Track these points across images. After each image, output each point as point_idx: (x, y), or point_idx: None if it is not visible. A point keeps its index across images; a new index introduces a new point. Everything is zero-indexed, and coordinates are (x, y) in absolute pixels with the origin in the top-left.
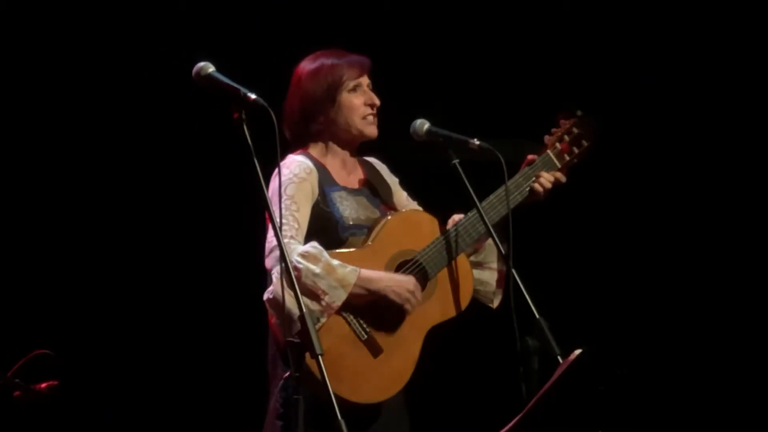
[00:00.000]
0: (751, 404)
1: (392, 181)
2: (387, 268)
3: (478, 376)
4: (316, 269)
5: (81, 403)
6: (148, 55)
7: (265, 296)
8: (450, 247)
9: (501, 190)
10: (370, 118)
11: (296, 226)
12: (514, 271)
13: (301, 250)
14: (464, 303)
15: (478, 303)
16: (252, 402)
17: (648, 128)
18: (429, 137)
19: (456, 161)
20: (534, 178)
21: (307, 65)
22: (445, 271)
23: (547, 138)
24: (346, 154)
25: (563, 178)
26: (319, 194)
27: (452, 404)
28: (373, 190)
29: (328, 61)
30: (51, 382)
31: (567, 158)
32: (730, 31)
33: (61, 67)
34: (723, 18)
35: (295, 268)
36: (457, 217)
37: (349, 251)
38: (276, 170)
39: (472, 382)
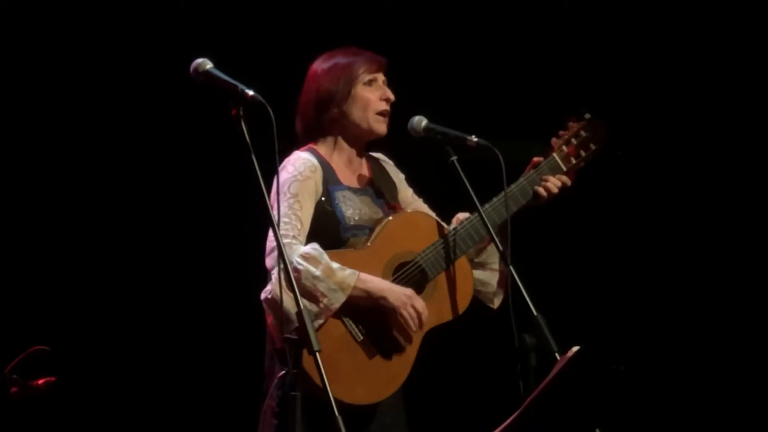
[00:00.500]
0: (750, 403)
1: (398, 178)
2: (386, 269)
3: (475, 373)
4: (316, 272)
5: (78, 399)
6: (146, 52)
7: (263, 296)
8: (450, 249)
9: (503, 193)
10: (383, 113)
11: (299, 225)
12: (512, 268)
13: (302, 251)
14: (463, 305)
15: (477, 302)
16: (247, 400)
17: (645, 126)
18: (427, 134)
19: (454, 158)
20: (539, 182)
21: (323, 62)
22: (445, 273)
23: (554, 140)
24: (353, 152)
25: (569, 182)
26: (323, 193)
27: (449, 401)
28: (378, 189)
29: (345, 58)
30: (48, 378)
31: (573, 162)
32: (736, 35)
33: (60, 66)
34: (729, 21)
35: (296, 269)
36: (461, 215)
37: (349, 251)
38: (280, 167)
39: (469, 379)
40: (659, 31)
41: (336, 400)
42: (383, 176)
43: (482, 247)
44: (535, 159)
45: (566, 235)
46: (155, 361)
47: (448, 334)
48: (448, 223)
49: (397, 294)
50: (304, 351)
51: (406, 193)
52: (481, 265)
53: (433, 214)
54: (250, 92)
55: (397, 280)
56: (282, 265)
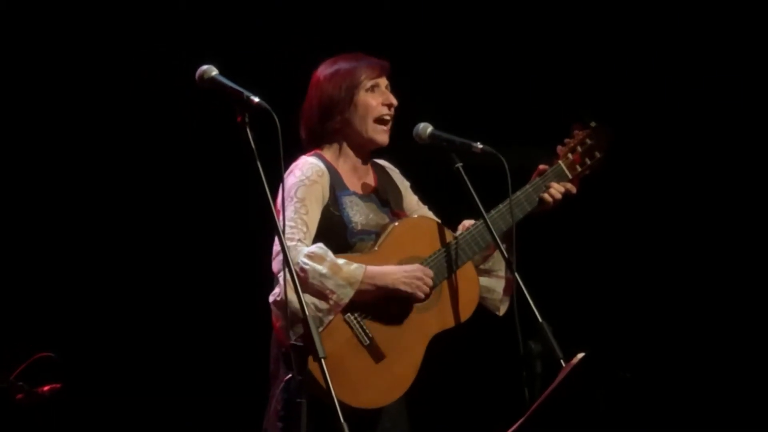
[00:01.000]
0: (755, 408)
1: (403, 185)
2: None
3: (481, 379)
4: (323, 269)
5: (83, 406)
6: (152, 58)
7: (271, 298)
8: (456, 255)
9: (509, 200)
10: (384, 120)
11: (305, 229)
12: (517, 275)
13: (307, 251)
14: (469, 311)
15: (482, 308)
16: (252, 403)
17: (653, 134)
18: (432, 141)
19: (459, 165)
20: (544, 189)
21: (326, 68)
22: (450, 279)
23: (559, 148)
24: (358, 159)
25: (574, 189)
26: (330, 197)
27: (455, 408)
28: (384, 195)
29: (347, 63)
30: (53, 385)
31: (579, 169)
32: (737, 37)
33: (65, 71)
34: (730, 23)
35: (302, 270)
36: (468, 222)
37: (355, 255)
38: (287, 172)
39: (475, 386)
40: (664, 38)
41: (342, 403)
42: (388, 184)
43: (488, 254)
44: (541, 167)
45: (571, 241)
46: (160, 367)
47: (454, 340)
48: (454, 229)
49: (408, 279)
50: (310, 357)
51: (411, 201)
52: (487, 272)
53: (439, 221)
54: (256, 99)
55: None
56: (287, 270)
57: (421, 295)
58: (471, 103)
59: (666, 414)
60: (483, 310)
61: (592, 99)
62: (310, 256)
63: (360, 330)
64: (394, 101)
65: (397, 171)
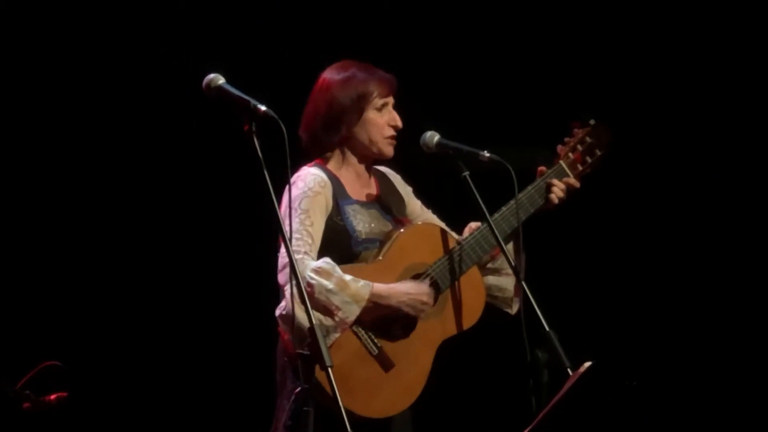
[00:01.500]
0: (763, 415)
1: (405, 191)
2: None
3: (487, 388)
4: (330, 285)
5: (90, 415)
6: (159, 66)
7: (277, 312)
8: (462, 260)
9: (513, 202)
10: (391, 138)
11: (310, 241)
12: (524, 284)
13: (314, 266)
14: (476, 316)
15: (490, 314)
16: (259, 414)
17: (665, 139)
18: (439, 149)
19: (466, 173)
20: (546, 189)
21: (336, 73)
22: (456, 285)
23: (559, 147)
24: (361, 167)
25: (577, 184)
26: (333, 207)
27: (462, 417)
28: (386, 202)
29: (360, 73)
30: (60, 394)
31: (580, 168)
32: (738, 39)
33: (75, 79)
34: (731, 25)
35: (309, 284)
36: (473, 225)
37: (361, 265)
38: (290, 182)
39: (482, 395)
40: (664, 38)
41: (353, 413)
42: (391, 191)
43: (495, 254)
44: (542, 167)
45: (578, 249)
46: (167, 377)
47: (461, 348)
48: (459, 233)
49: (414, 302)
50: (317, 367)
51: (414, 206)
52: (497, 271)
53: (444, 225)
54: (263, 107)
55: None
56: (294, 281)
57: (425, 318)
58: (468, 105)
59: (673, 422)
60: (491, 317)
61: (591, 99)
62: (318, 271)
63: (368, 340)
64: (400, 124)
65: (398, 177)
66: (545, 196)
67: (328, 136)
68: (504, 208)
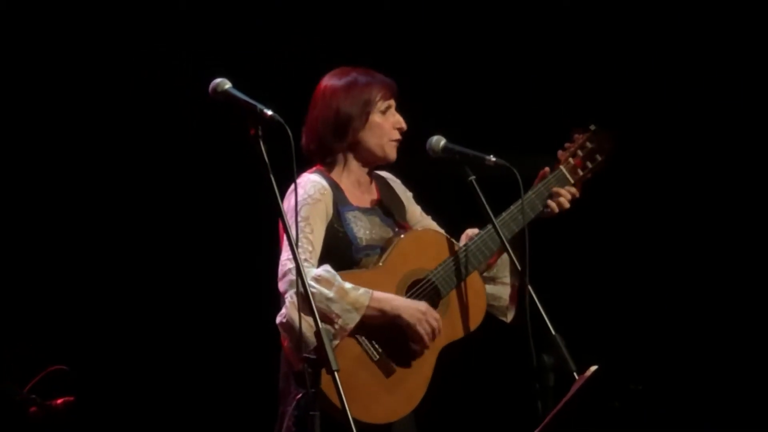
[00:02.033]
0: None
1: (406, 196)
2: (399, 288)
3: (493, 392)
4: (330, 293)
5: (96, 419)
6: (165, 69)
7: (278, 320)
8: (462, 265)
9: (514, 207)
10: (396, 141)
11: (310, 248)
12: (530, 287)
13: (314, 274)
14: (477, 321)
15: (493, 319)
16: (262, 421)
17: (669, 142)
18: (445, 154)
19: (472, 178)
20: (547, 194)
21: (338, 79)
22: (457, 290)
23: (560, 153)
24: (362, 173)
25: (577, 193)
26: (334, 214)
27: (468, 421)
28: (387, 208)
29: (362, 77)
30: (67, 398)
31: (581, 173)
32: (739, 40)
33: (79, 82)
34: (732, 26)
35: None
36: (471, 231)
37: (361, 272)
38: (290, 188)
39: (487, 399)
40: (664, 44)
41: (354, 419)
42: (391, 196)
43: (491, 262)
44: (543, 172)
45: (583, 253)
46: (173, 383)
47: (466, 352)
48: (458, 239)
49: (412, 310)
50: (323, 370)
51: (414, 212)
52: (492, 280)
53: (442, 231)
54: (269, 112)
55: (410, 298)
56: (298, 286)
57: (421, 330)
58: (469, 111)
59: (677, 425)
60: (495, 322)
61: (594, 105)
62: (318, 280)
63: (369, 345)
64: (404, 126)
65: (398, 182)
66: (546, 202)
67: (335, 142)
68: (504, 214)
